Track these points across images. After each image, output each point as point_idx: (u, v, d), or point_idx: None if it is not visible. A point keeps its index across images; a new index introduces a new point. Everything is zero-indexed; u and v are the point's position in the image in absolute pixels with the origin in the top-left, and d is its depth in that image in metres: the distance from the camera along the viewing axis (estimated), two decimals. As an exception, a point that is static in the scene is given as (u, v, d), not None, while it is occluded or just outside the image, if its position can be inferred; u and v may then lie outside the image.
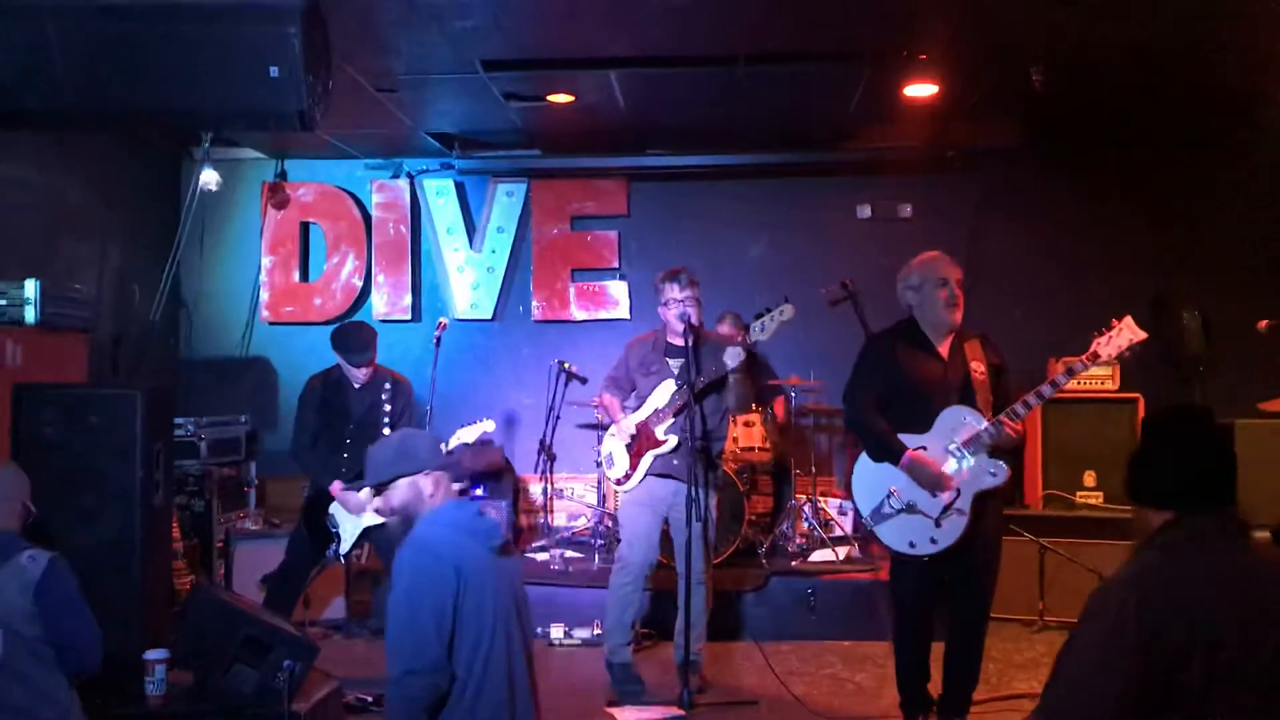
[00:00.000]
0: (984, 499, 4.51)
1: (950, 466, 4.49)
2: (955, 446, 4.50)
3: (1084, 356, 4.55)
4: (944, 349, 4.69)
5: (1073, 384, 7.11)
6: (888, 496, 4.57)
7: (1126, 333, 4.51)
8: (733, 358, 5.18)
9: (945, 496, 4.47)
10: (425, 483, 3.23)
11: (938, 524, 4.49)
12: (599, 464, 7.15)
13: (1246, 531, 2.49)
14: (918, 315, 4.75)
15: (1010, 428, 4.45)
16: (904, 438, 4.55)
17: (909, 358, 4.67)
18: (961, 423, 4.51)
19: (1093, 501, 7.01)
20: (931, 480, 4.47)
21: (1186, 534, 2.44)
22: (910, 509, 4.53)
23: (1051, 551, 6.75)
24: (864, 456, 4.68)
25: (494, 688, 3.07)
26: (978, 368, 4.63)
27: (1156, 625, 2.28)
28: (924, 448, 4.52)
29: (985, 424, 4.46)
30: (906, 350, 4.69)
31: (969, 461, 4.49)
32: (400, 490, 3.24)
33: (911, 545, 4.53)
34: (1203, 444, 2.54)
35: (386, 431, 5.76)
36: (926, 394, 4.60)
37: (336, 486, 5.58)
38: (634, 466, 5.43)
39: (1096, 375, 7.22)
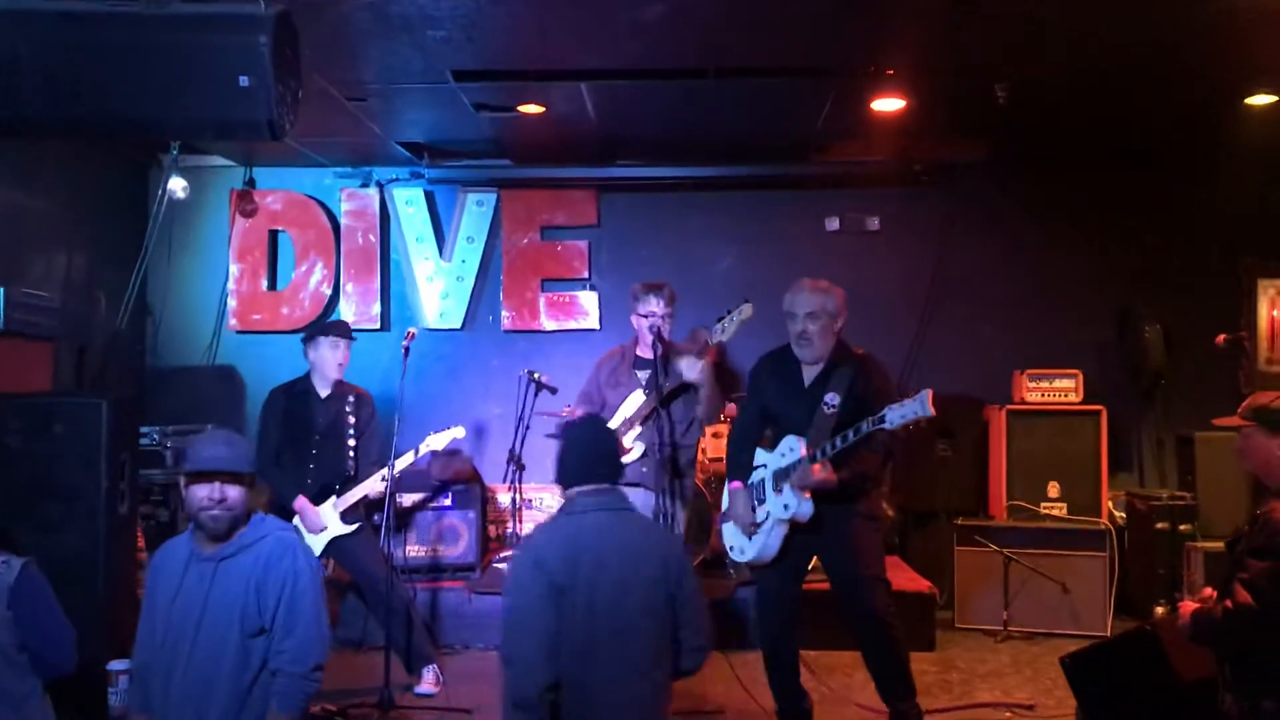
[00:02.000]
0: (817, 518, 4.54)
1: (766, 497, 4.70)
2: (768, 476, 4.69)
3: (871, 419, 4.33)
4: (809, 374, 4.72)
5: (1036, 396, 7.31)
6: (729, 506, 4.88)
7: (916, 405, 4.27)
8: (689, 369, 5.23)
9: (759, 513, 4.70)
10: None
11: (748, 536, 4.75)
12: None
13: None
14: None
15: (814, 467, 4.42)
16: (760, 452, 4.79)
17: (775, 380, 4.83)
18: (789, 450, 4.58)
19: (1056, 512, 7.09)
20: (736, 516, 4.79)
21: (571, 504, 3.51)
22: (735, 520, 4.82)
23: (1015, 562, 6.82)
24: None
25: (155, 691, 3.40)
26: (831, 399, 4.57)
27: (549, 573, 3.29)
28: (764, 465, 4.73)
29: (800, 457, 4.49)
30: (773, 374, 4.85)
31: (778, 492, 4.61)
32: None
33: (731, 549, 4.89)
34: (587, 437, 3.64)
35: (351, 444, 5.77)
36: (783, 416, 4.76)
37: (299, 502, 5.58)
38: (603, 478, 5.44)
39: (1060, 387, 7.31)
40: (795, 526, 4.58)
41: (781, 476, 4.57)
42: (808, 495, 4.48)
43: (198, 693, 3.29)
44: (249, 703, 3.32)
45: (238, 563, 3.39)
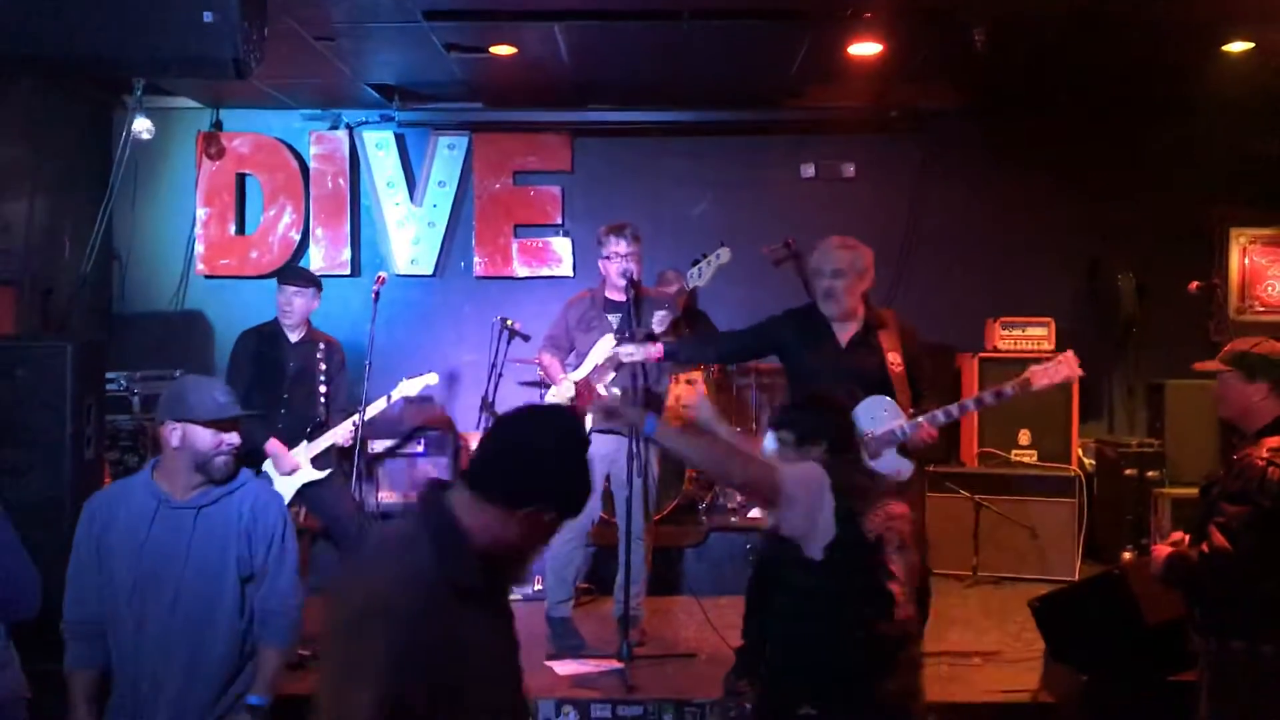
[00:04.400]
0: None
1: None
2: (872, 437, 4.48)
3: (1015, 383, 4.51)
4: (845, 336, 4.68)
5: (1008, 344, 7.35)
6: None
7: (1065, 368, 4.47)
8: (659, 322, 5.19)
9: None
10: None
11: None
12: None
13: None
14: (816, 297, 4.75)
15: (925, 431, 4.44)
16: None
17: (803, 338, 4.70)
18: (881, 413, 4.50)
19: (1026, 460, 7.15)
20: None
21: None
22: None
23: (985, 508, 6.88)
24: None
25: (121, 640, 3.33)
26: (894, 360, 4.58)
27: None
28: None
29: (901, 421, 4.46)
30: (801, 331, 4.72)
31: (874, 456, 4.48)
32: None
33: None
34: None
35: (323, 390, 5.72)
36: (816, 373, 4.57)
37: (272, 444, 5.54)
38: (576, 423, 5.42)
39: (1032, 335, 7.35)
40: None
41: (882, 440, 4.47)
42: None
43: (186, 640, 3.31)
44: (245, 648, 3.41)
45: (221, 509, 3.41)
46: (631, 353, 5.00)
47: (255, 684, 3.38)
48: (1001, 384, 4.76)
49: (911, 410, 4.52)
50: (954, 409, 4.51)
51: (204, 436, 3.38)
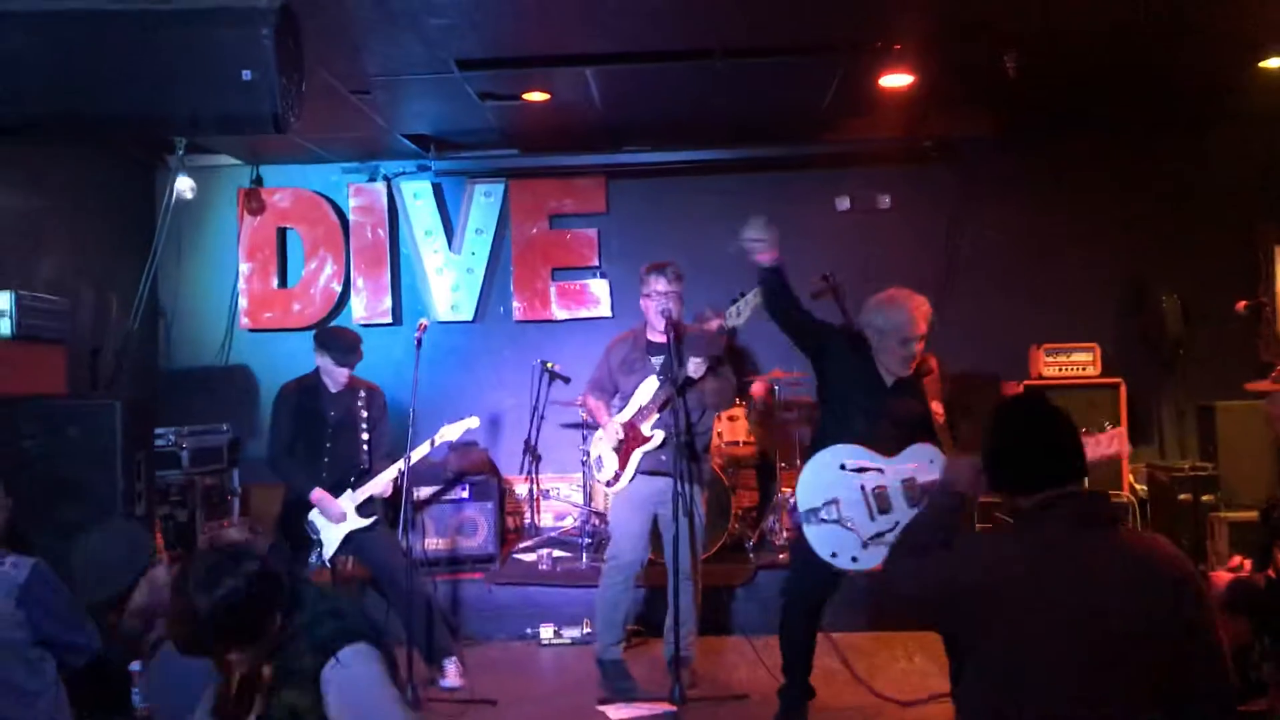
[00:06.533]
0: None
1: (895, 506, 4.42)
2: (895, 484, 4.41)
3: None
4: (890, 380, 4.62)
5: (1053, 371, 7.25)
6: (829, 503, 4.46)
7: (1116, 444, 4.37)
8: (694, 369, 5.18)
9: (883, 523, 4.39)
10: None
11: (865, 546, 4.41)
12: (584, 463, 7.15)
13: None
14: (875, 348, 4.64)
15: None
16: (865, 455, 4.46)
17: (860, 369, 4.62)
18: (927, 463, 4.41)
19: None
20: (852, 522, 4.41)
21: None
22: (845, 524, 4.43)
23: (1038, 538, 6.76)
24: (820, 455, 4.56)
25: None
26: (938, 409, 4.53)
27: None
28: (879, 471, 4.45)
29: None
30: (861, 361, 4.63)
31: (915, 504, 4.38)
32: None
33: (834, 555, 4.44)
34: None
35: (365, 438, 5.74)
36: (862, 411, 4.53)
37: (316, 493, 5.57)
38: (623, 466, 5.42)
39: (1078, 361, 7.26)
40: None
41: (918, 488, 4.38)
42: None
43: None
44: None
45: None
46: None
47: None
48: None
49: None
50: None
51: None
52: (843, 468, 4.47)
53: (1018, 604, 2.42)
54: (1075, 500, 2.52)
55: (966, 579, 2.53)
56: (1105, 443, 4.25)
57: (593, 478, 5.93)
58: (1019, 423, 2.70)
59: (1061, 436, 2.61)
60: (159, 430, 6.35)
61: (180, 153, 7.23)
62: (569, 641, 6.38)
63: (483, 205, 8.25)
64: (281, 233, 8.28)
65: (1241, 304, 6.69)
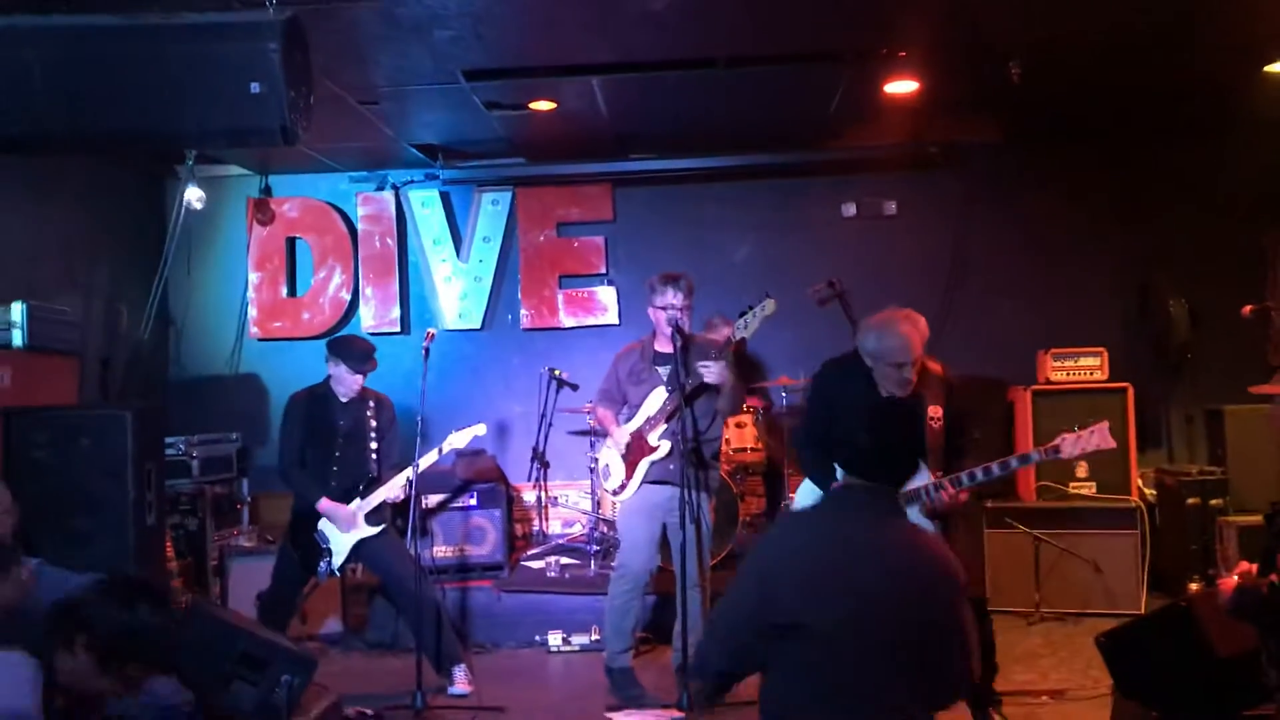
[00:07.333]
0: None
1: None
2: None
3: (1045, 448, 4.34)
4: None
5: (1061, 375, 7.25)
6: None
7: (1097, 438, 4.34)
8: (710, 375, 5.16)
9: None
10: None
11: None
12: (592, 470, 7.16)
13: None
14: (872, 370, 4.54)
15: (948, 494, 4.29)
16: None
17: (845, 388, 4.54)
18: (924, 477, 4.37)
19: (1085, 492, 7.03)
20: None
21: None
22: None
23: (1046, 543, 6.77)
24: (807, 482, 4.64)
25: None
26: (935, 414, 4.47)
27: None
28: None
29: (928, 482, 4.33)
30: (843, 386, 4.55)
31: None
32: None
33: None
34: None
35: (374, 447, 5.77)
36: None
37: (324, 503, 5.59)
38: (630, 475, 5.44)
39: (1085, 365, 7.25)
40: None
41: (905, 498, 4.29)
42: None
43: None
44: None
45: None
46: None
47: None
48: (1028, 449, 4.67)
49: (939, 472, 4.41)
50: (978, 472, 4.33)
51: None
52: None
53: (803, 593, 2.69)
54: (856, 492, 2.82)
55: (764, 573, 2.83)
56: (1085, 440, 4.25)
57: (603, 488, 5.94)
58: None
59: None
60: (169, 439, 6.38)
61: (190, 163, 7.28)
62: (577, 649, 6.39)
63: (490, 214, 8.29)
64: (291, 242, 8.32)
65: (1248, 308, 6.68)
